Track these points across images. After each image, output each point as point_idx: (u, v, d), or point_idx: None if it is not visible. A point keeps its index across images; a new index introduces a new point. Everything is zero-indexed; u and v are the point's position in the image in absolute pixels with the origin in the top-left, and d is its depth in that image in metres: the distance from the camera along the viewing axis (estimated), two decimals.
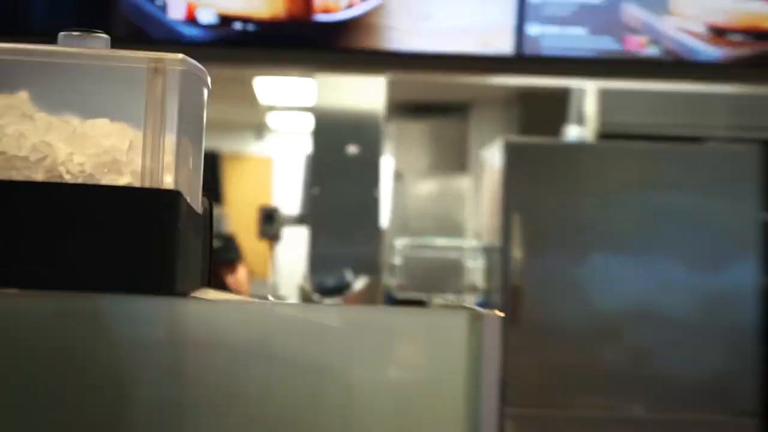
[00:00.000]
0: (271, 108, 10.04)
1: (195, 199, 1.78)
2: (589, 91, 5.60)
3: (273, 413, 1.51)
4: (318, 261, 4.78)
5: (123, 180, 1.64)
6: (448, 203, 9.84)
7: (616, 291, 4.63)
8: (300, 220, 4.96)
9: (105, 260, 1.59)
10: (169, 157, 1.66)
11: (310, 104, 5.09)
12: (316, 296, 4.48)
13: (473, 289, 4.96)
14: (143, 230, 1.60)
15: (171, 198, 1.63)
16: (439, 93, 9.03)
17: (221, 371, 1.50)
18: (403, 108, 10.37)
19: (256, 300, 1.72)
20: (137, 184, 1.64)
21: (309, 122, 5.06)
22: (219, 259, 4.61)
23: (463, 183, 9.03)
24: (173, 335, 1.52)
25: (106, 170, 1.64)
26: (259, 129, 11.31)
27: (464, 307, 1.67)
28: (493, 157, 4.83)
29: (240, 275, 4.68)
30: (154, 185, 1.65)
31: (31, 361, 1.50)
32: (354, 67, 4.85)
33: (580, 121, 5.59)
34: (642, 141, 4.96)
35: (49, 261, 1.58)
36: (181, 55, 1.69)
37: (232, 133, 11.28)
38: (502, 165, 4.64)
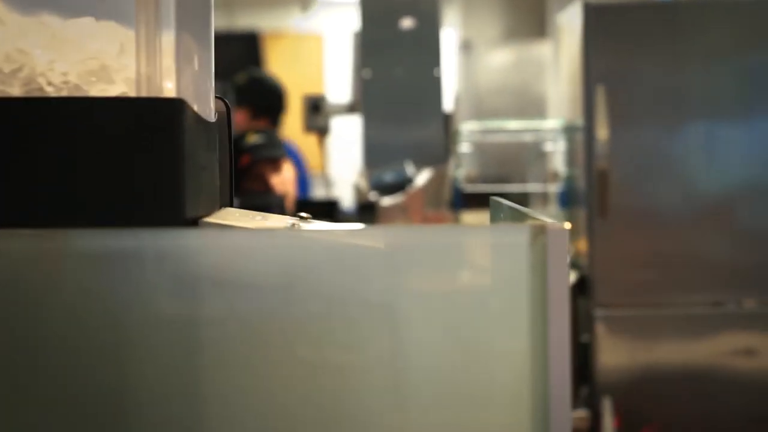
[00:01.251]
0: None
1: (205, 105, 1.69)
2: None
3: (306, 361, 1.43)
4: (373, 154, 4.68)
5: (115, 89, 1.55)
6: (525, 75, 9.65)
7: (720, 168, 4.49)
8: (351, 108, 4.85)
9: (98, 186, 1.50)
10: (168, 59, 1.56)
11: None
12: (372, 194, 4.40)
13: (554, 176, 4.83)
14: (142, 147, 1.51)
15: (172, 107, 1.54)
16: None
17: (241, 313, 1.42)
18: None
19: (282, 224, 1.63)
20: (132, 93, 1.55)
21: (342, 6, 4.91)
22: (261, 157, 4.53)
23: (543, 50, 8.83)
24: (183, 273, 1.44)
25: (93, 79, 1.54)
26: (305, 4, 11.15)
27: (528, 218, 1.57)
28: (571, 21, 4.66)
29: (285, 174, 4.59)
30: (153, 93, 1.55)
31: (15, 305, 1.43)
32: None
33: None
34: None
35: (30, 190, 1.49)
36: None
37: (274, 7, 11.13)
38: (583, 31, 4.47)
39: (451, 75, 9.82)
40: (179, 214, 1.52)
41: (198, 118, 1.60)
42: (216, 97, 1.82)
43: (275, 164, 4.51)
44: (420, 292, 1.42)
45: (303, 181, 5.23)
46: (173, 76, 1.56)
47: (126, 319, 1.42)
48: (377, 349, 1.44)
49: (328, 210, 4.49)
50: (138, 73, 1.55)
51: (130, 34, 1.55)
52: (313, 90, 10.97)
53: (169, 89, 1.56)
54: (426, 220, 4.49)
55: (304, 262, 1.43)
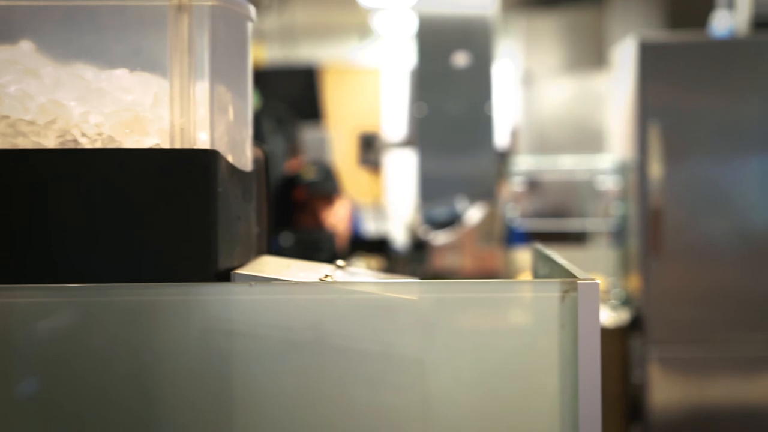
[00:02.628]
0: (374, 9, 9.89)
1: (240, 155, 1.67)
2: None
3: (335, 416, 1.40)
4: (426, 189, 4.65)
5: (149, 141, 1.54)
6: (584, 108, 9.59)
7: None
8: (406, 143, 4.83)
9: (131, 238, 1.49)
10: (202, 110, 1.55)
11: (412, 7, 4.93)
12: (423, 230, 4.37)
13: (609, 212, 4.78)
14: (175, 200, 1.50)
15: (206, 159, 1.52)
16: None
17: (268, 364, 1.40)
18: (529, 0, 10.12)
19: (315, 275, 1.61)
20: (166, 144, 1.53)
21: (412, 29, 4.90)
22: (315, 193, 4.52)
23: (602, 82, 8.77)
24: (214, 327, 1.42)
25: (127, 130, 1.53)
26: (363, 33, 11.17)
27: (562, 270, 1.54)
28: (625, 56, 4.62)
29: (339, 210, 4.58)
30: (186, 145, 1.54)
31: (47, 356, 1.42)
32: None
33: (731, 6, 5.32)
34: None
35: (65, 244, 1.49)
36: None
37: (333, 41, 11.16)
38: (637, 68, 4.43)
39: (510, 107, 9.81)
40: (212, 267, 1.51)
41: (232, 169, 1.59)
42: (255, 144, 1.81)
43: (329, 200, 4.50)
44: (450, 347, 1.40)
45: (356, 217, 5.22)
46: (207, 127, 1.55)
47: (156, 372, 1.41)
48: (407, 404, 1.42)
49: (379, 247, 4.46)
50: (172, 124, 1.54)
51: (164, 85, 1.54)
52: (370, 122, 11.02)
53: (203, 140, 1.54)
54: (478, 257, 4.46)
55: (335, 317, 1.41)
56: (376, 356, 1.40)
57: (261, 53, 9.28)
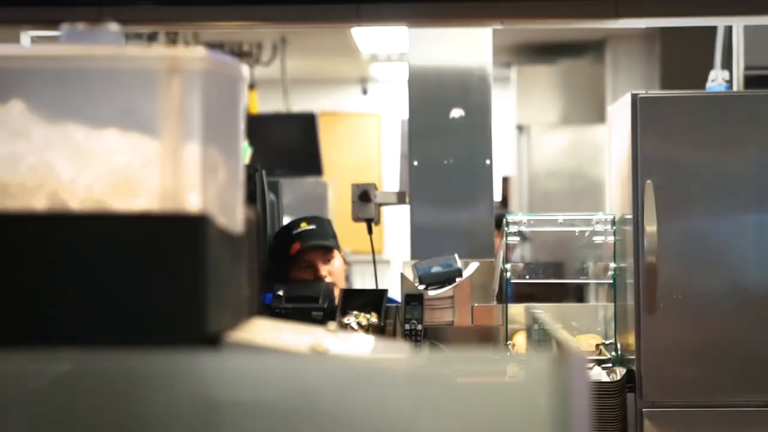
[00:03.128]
0: (374, 59, 9.92)
1: (231, 216, 1.65)
2: (736, 29, 5.35)
3: None
4: (421, 245, 4.62)
5: (139, 203, 1.52)
6: (582, 160, 9.60)
7: (762, 260, 4.39)
8: (401, 196, 4.80)
9: (118, 303, 1.47)
10: (193, 172, 1.53)
11: (405, 57, 4.93)
12: (419, 285, 4.34)
13: (605, 268, 4.76)
14: (163, 265, 1.48)
15: (195, 223, 1.50)
16: (568, 31, 8.76)
17: None
18: (525, 50, 10.14)
19: (306, 339, 1.58)
20: (156, 206, 1.52)
21: (405, 82, 4.89)
22: (311, 245, 4.51)
23: (600, 134, 8.77)
24: (200, 393, 1.40)
25: (117, 192, 1.52)
26: (363, 82, 11.21)
27: (553, 339, 1.52)
28: (621, 113, 4.62)
29: (335, 263, 4.56)
30: (177, 206, 1.52)
31: (29, 425, 1.39)
32: (456, 18, 4.67)
33: (727, 62, 5.34)
34: None
35: (54, 307, 1.47)
36: (202, 51, 1.56)
37: (333, 89, 11.19)
38: (631, 122, 4.42)
39: (506, 159, 9.81)
40: (201, 331, 1.49)
41: (222, 233, 1.57)
42: (248, 203, 1.79)
43: (325, 253, 4.48)
44: (441, 418, 1.37)
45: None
46: (198, 189, 1.53)
47: None
48: None
49: (375, 301, 4.43)
50: (162, 186, 1.52)
51: (155, 146, 1.53)
52: (369, 170, 11.04)
53: (193, 203, 1.53)
54: (474, 313, 4.43)
55: (324, 386, 1.38)
56: (365, 427, 1.38)
57: (256, 102, 9.31)
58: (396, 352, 1.47)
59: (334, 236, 4.62)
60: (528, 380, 1.36)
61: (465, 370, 1.37)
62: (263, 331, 1.65)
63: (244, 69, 1.66)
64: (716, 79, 4.93)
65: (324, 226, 4.60)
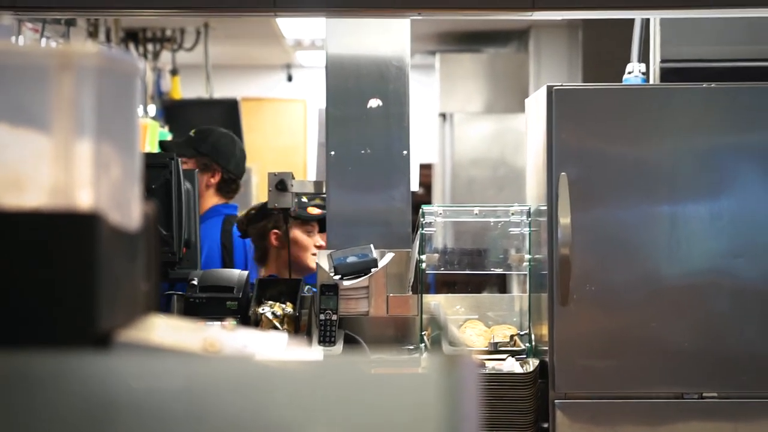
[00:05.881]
0: (298, 45, 9.89)
1: (126, 213, 1.63)
2: (653, 21, 5.38)
3: None
4: (338, 235, 4.61)
5: (29, 199, 1.49)
6: (504, 148, 9.64)
7: (683, 253, 4.43)
8: (319, 185, 4.79)
9: (5, 302, 1.45)
10: (85, 168, 1.51)
11: (324, 45, 4.91)
12: (334, 275, 4.33)
13: (520, 260, 4.78)
14: (53, 262, 1.46)
15: (86, 220, 1.48)
16: (493, 20, 8.78)
17: None
18: (450, 38, 10.16)
19: (198, 338, 1.56)
20: (47, 202, 1.49)
21: (325, 67, 4.86)
22: (261, 227, 4.66)
23: (523, 124, 8.80)
24: (88, 395, 1.37)
25: (7, 188, 1.49)
26: (288, 68, 11.16)
27: (448, 341, 1.52)
28: (538, 105, 4.64)
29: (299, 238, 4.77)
30: (68, 203, 1.50)
31: None
32: (374, 9, 4.65)
33: (645, 55, 5.38)
34: (704, 76, 4.73)
35: None
36: (96, 47, 1.53)
37: (257, 75, 11.14)
38: (546, 114, 4.44)
39: (429, 147, 9.83)
40: (91, 330, 1.47)
41: (115, 229, 1.55)
42: (144, 200, 1.77)
43: (277, 231, 4.73)
44: (331, 420, 1.36)
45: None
46: (89, 186, 1.51)
47: None
48: None
49: (291, 290, 4.42)
50: (53, 182, 1.50)
51: (46, 142, 1.50)
52: (294, 157, 10.99)
53: (84, 199, 1.50)
54: (389, 303, 4.43)
55: (215, 388, 1.37)
56: (252, 428, 1.36)
57: (179, 88, 9.25)
58: (292, 353, 1.46)
59: (277, 215, 4.82)
60: (416, 378, 1.36)
61: (369, 367, 1.36)
62: (159, 330, 1.63)
63: (140, 64, 1.64)
64: (633, 72, 4.96)
65: (264, 209, 4.82)
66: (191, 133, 5.30)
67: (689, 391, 4.36)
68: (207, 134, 5.31)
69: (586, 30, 8.44)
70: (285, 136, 11.33)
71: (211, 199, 5.30)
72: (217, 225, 5.26)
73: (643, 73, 5.07)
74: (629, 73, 4.94)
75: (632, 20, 5.38)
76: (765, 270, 4.44)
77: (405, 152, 4.73)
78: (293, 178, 4.73)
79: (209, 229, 5.17)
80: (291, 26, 8.62)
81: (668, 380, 4.38)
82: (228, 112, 8.83)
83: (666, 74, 5.26)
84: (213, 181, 5.27)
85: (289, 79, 11.39)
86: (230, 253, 5.23)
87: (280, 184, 4.61)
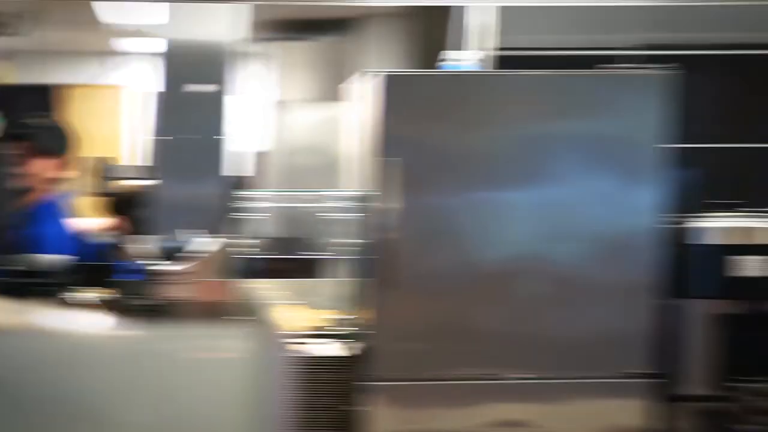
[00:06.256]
0: (116, 32, 9.70)
1: None
2: (484, 7, 5.46)
3: None
4: (162, 220, 4.55)
5: None
6: (335, 136, 9.64)
7: (500, 237, 4.52)
8: (149, 171, 4.72)
9: None
10: None
11: (155, 31, 4.84)
12: (156, 260, 4.26)
13: (346, 245, 4.80)
14: None
15: None
16: (328, 8, 8.75)
17: None
18: (286, 25, 10.12)
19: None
20: None
21: (156, 53, 4.80)
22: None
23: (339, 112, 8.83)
24: None
25: None
26: (103, 54, 10.96)
27: (253, 317, 1.52)
28: (364, 88, 4.67)
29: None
30: None
31: None
32: None
33: (465, 42, 5.45)
34: (540, 64, 4.83)
35: None
36: None
37: (73, 61, 10.91)
38: (373, 99, 4.48)
39: (257, 136, 9.78)
40: None
41: None
42: None
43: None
44: (140, 390, 1.36)
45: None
46: None
47: None
48: None
49: (110, 275, 4.33)
50: None
51: None
52: (111, 143, 10.80)
53: None
54: (209, 289, 4.38)
55: (36, 363, 1.35)
56: (75, 402, 1.35)
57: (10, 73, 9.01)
58: (110, 328, 1.44)
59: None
60: (227, 360, 1.36)
61: (187, 346, 1.36)
62: None
63: None
64: (447, 59, 5.02)
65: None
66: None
67: (507, 374, 4.45)
68: (29, 122, 5.17)
69: (417, 18, 8.51)
70: (103, 123, 11.13)
71: (44, 188, 5.17)
72: (49, 213, 5.16)
73: (468, 61, 5.14)
74: (443, 60, 5.01)
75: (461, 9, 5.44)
76: (583, 255, 4.56)
77: (222, 137, 4.71)
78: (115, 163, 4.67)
79: (44, 216, 5.06)
80: (109, 12, 8.44)
81: (486, 363, 4.46)
82: (40, 99, 8.65)
83: (503, 62, 5.35)
84: (44, 168, 5.13)
85: (106, 65, 11.20)
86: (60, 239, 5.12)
87: (106, 170, 4.53)
